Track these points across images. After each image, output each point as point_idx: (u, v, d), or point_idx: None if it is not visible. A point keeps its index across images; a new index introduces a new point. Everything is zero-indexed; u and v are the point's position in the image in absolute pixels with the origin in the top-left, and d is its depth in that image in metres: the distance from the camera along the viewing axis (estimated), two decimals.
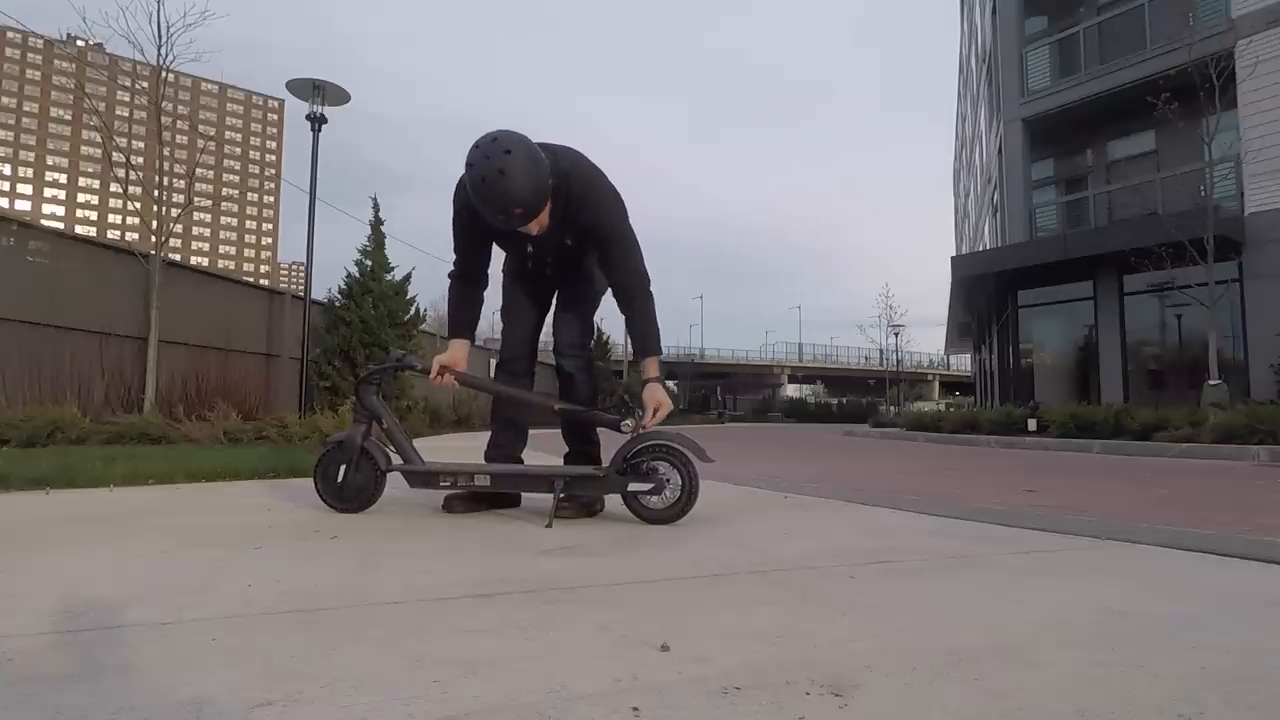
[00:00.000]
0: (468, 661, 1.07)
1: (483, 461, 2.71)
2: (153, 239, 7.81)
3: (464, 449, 6.07)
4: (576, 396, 2.70)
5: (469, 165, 2.23)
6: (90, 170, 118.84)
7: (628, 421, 2.45)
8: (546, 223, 2.40)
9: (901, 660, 1.09)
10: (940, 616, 1.36)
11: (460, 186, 2.45)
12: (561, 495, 2.43)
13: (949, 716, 0.90)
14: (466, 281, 2.68)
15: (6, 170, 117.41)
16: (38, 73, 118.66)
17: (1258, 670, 1.08)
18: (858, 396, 59.75)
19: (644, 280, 2.52)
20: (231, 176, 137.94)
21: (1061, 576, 1.73)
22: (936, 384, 67.98)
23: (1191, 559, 1.94)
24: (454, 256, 2.65)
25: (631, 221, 2.54)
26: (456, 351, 2.60)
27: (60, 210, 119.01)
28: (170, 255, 8.41)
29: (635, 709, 0.90)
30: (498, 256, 2.75)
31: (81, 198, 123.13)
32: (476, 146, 2.23)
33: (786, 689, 0.97)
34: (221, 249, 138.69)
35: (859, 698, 0.95)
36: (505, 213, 2.26)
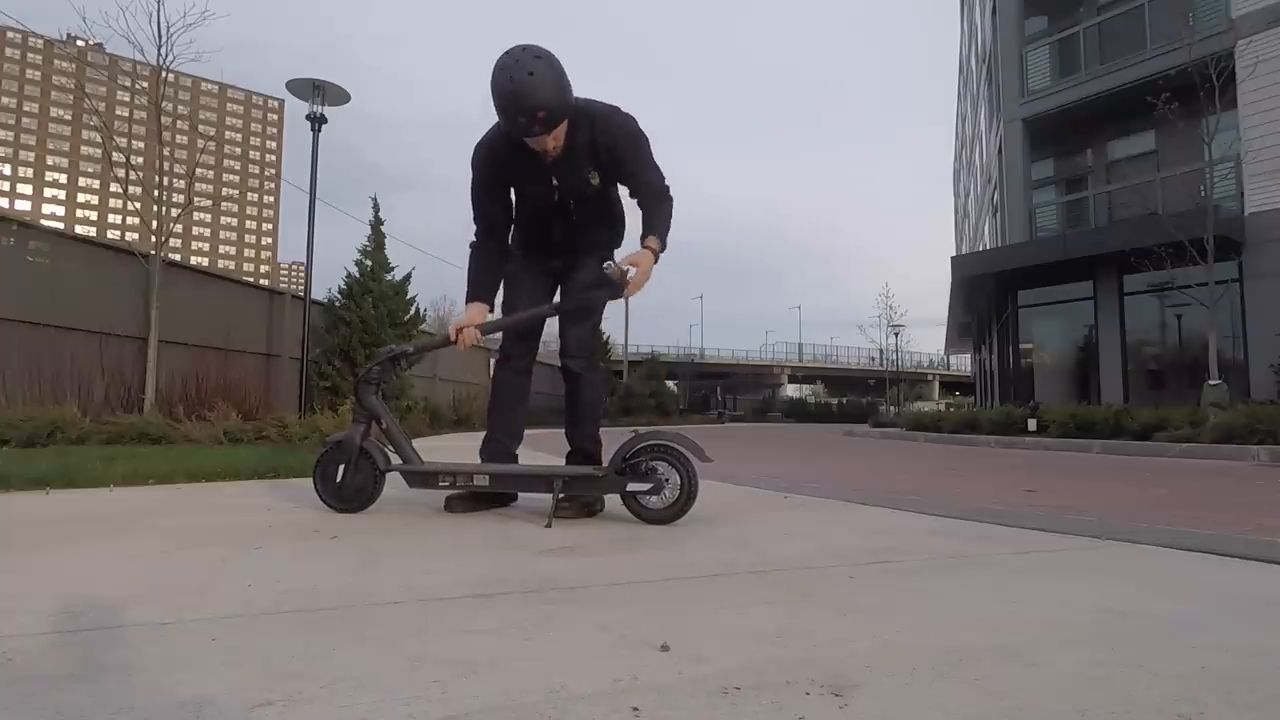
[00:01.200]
0: (468, 661, 1.07)
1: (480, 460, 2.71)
2: (153, 239, 7.81)
3: (464, 449, 6.06)
4: (583, 398, 2.72)
5: (498, 68, 2.25)
6: (90, 170, 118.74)
7: (610, 264, 2.39)
8: (563, 141, 2.40)
9: (901, 660, 1.09)
10: (940, 616, 1.36)
11: (480, 144, 2.48)
12: (561, 495, 2.44)
13: (949, 716, 0.90)
14: (488, 238, 2.66)
15: (6, 170, 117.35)
16: (38, 73, 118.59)
17: (1258, 670, 1.08)
18: (858, 396, 59.72)
19: (665, 189, 2.56)
20: (231, 176, 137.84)
21: (1061, 576, 1.73)
22: (936, 384, 67.97)
23: (1191, 559, 1.94)
24: (474, 228, 2.65)
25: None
26: (473, 313, 2.61)
27: (60, 210, 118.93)
28: (170, 255, 8.41)
29: (635, 709, 0.90)
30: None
31: (81, 198, 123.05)
32: (507, 52, 2.26)
33: (786, 689, 0.97)
34: (221, 249, 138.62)
35: (859, 698, 0.95)
36: (529, 115, 2.26)
